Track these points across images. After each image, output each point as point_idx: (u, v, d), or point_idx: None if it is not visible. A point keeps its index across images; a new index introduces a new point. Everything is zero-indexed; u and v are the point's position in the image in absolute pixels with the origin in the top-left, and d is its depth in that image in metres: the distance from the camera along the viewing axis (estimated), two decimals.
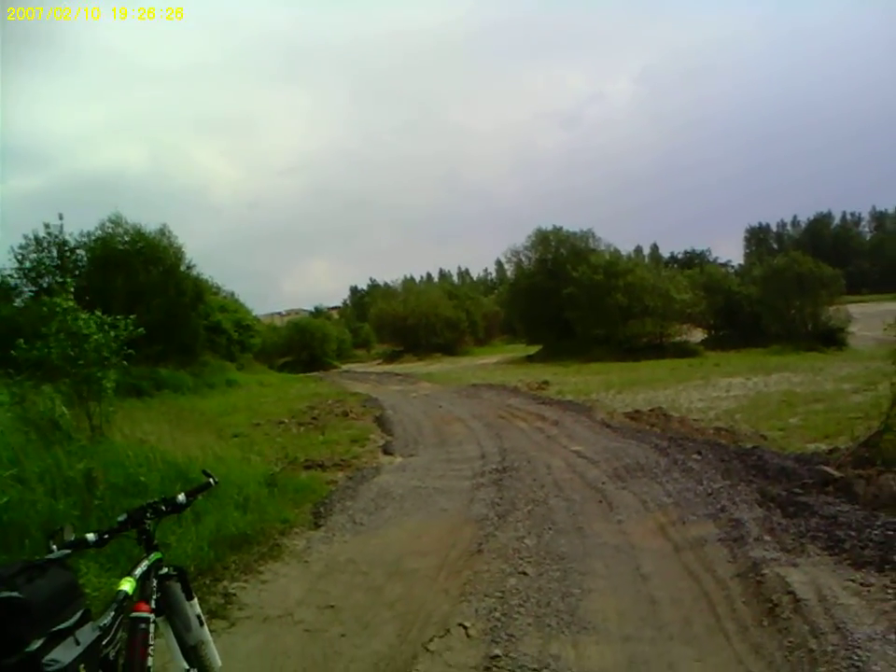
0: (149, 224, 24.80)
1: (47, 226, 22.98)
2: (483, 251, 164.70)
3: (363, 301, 78.85)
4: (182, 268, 25.20)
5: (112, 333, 7.79)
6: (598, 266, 35.62)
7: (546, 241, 40.51)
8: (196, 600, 2.76)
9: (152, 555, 2.56)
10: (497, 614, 4.02)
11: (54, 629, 1.82)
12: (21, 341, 7.46)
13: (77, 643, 1.88)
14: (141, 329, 8.14)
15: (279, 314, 77.07)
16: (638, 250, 66.82)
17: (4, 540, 4.51)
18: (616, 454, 8.43)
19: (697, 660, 3.37)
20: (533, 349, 39.12)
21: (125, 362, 8.10)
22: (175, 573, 2.69)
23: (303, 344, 48.24)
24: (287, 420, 14.22)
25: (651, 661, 3.39)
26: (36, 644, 1.73)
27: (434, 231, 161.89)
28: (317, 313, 67.93)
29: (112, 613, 2.17)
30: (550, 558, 4.94)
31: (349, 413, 15.14)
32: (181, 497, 2.76)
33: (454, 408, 15.12)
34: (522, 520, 5.92)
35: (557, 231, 40.63)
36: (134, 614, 2.29)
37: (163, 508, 2.69)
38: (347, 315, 78.18)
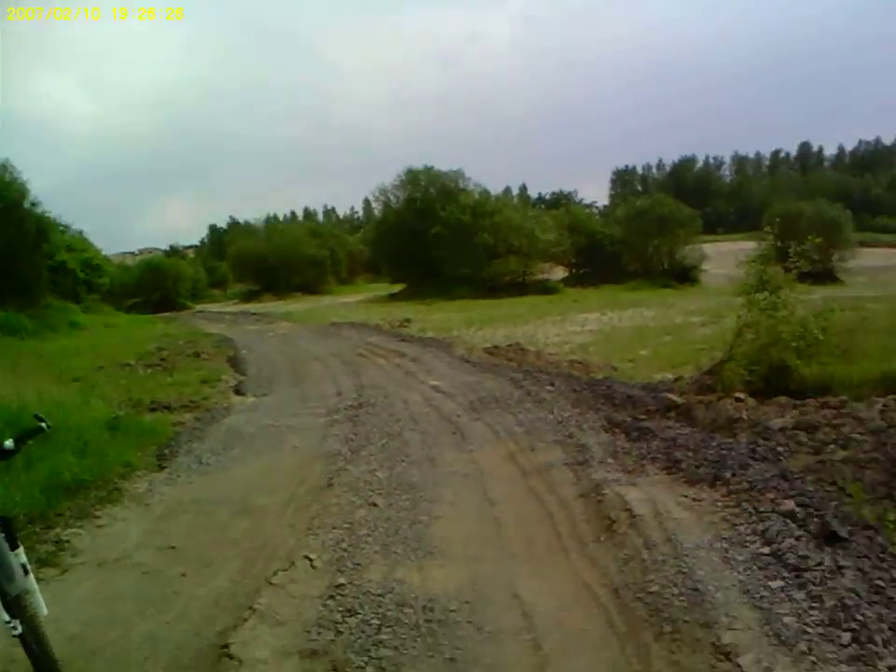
0: None
1: None
2: (353, 191, 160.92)
3: (222, 240, 74.82)
4: (25, 205, 23.40)
5: None
6: (466, 206, 35.83)
7: (416, 180, 40.09)
8: (21, 549, 2.60)
9: None
10: (345, 545, 3.98)
11: None
12: None
13: None
14: None
15: (132, 253, 72.57)
16: (507, 191, 67.72)
17: None
18: (472, 387, 8.53)
19: (536, 574, 3.49)
20: (397, 288, 39.08)
21: None
22: None
23: (155, 285, 46.31)
24: (133, 362, 13.37)
25: (491, 579, 3.49)
26: None
27: (302, 170, 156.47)
28: (172, 252, 64.12)
29: None
30: (400, 489, 4.92)
31: (201, 353, 14.49)
32: (8, 442, 2.61)
33: (312, 347, 14.85)
34: (375, 454, 5.86)
35: (428, 170, 40.32)
36: None
37: None
38: (204, 255, 74.14)
